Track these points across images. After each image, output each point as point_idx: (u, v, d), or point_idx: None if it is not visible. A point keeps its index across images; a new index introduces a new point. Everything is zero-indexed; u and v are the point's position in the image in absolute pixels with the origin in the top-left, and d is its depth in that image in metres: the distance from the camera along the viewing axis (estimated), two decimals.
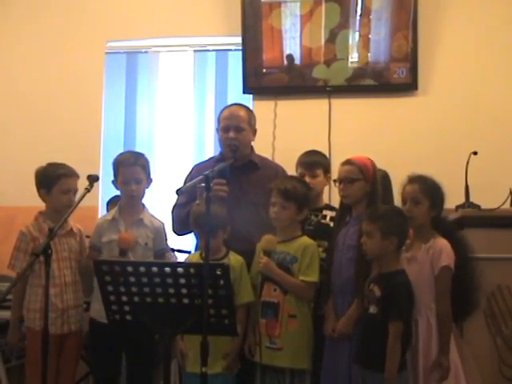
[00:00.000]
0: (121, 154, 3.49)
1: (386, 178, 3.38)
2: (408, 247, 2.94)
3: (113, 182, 3.42)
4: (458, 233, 3.01)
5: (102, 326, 3.09)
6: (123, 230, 3.32)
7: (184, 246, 3.95)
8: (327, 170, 3.56)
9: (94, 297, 3.31)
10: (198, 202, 3.07)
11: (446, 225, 2.98)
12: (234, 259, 3.10)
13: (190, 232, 3.36)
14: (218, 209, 2.96)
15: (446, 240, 2.86)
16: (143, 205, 3.45)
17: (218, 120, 3.49)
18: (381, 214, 2.85)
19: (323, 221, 3.39)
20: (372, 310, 2.79)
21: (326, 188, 3.83)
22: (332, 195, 3.91)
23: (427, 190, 2.91)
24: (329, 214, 3.40)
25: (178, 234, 3.53)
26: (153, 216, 3.46)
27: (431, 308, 2.83)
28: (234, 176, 3.27)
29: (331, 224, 3.34)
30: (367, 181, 3.06)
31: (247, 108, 3.56)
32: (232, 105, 3.58)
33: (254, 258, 3.15)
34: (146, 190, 3.45)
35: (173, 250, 3.75)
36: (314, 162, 3.50)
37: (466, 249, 2.92)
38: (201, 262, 3.03)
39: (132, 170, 3.33)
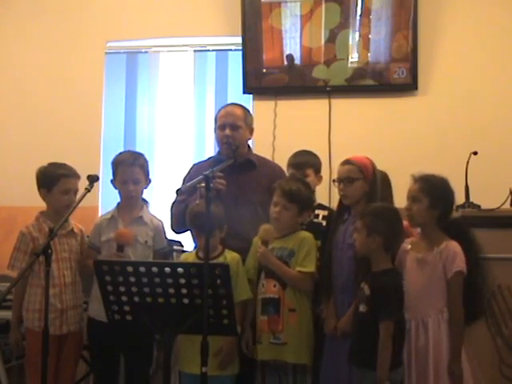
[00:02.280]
0: (120, 153, 3.49)
1: (385, 178, 3.37)
2: (416, 248, 2.91)
3: (111, 181, 3.42)
4: (471, 234, 2.93)
5: (101, 325, 3.10)
6: (122, 228, 3.32)
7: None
8: (318, 170, 3.56)
9: (92, 296, 3.32)
10: (197, 201, 3.08)
11: (458, 225, 2.94)
12: (230, 257, 3.10)
13: (187, 230, 3.36)
14: (214, 208, 2.95)
15: (457, 243, 2.83)
16: (142, 203, 3.45)
17: (215, 120, 3.53)
18: (369, 211, 2.85)
19: (315, 220, 3.38)
20: (362, 308, 2.79)
21: (326, 188, 3.84)
22: (332, 195, 3.92)
23: (427, 188, 2.87)
24: (321, 213, 3.40)
25: (176, 232, 3.54)
26: (152, 215, 3.47)
27: (443, 312, 2.81)
28: (232, 174, 3.29)
29: (323, 223, 3.34)
30: (366, 180, 3.06)
31: (243, 107, 3.57)
32: (228, 104, 3.62)
33: (250, 252, 3.16)
34: (146, 191, 3.45)
35: (179, 244, 3.77)
36: (304, 162, 3.50)
37: (479, 250, 2.88)
38: (197, 261, 3.06)
39: (130, 169, 3.33)
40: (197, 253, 3.17)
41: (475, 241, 2.90)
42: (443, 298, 2.81)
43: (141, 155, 3.43)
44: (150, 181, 3.43)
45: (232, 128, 3.41)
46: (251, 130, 3.53)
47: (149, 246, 3.33)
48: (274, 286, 3.05)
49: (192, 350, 2.86)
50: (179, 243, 3.88)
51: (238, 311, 2.99)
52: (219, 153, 3.53)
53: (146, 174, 3.39)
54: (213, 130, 3.59)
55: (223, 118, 3.46)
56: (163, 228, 3.45)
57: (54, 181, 3.30)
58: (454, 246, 2.82)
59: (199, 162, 3.66)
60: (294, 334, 3.01)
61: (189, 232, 3.30)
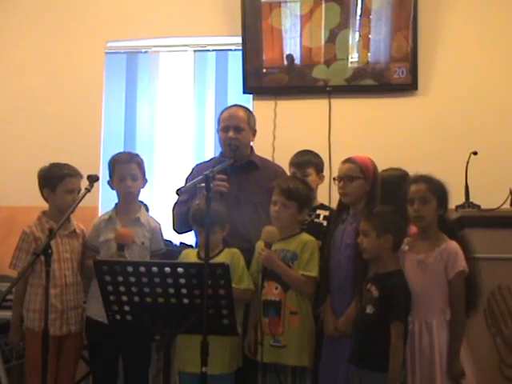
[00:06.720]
0: (116, 154, 3.51)
1: (405, 177, 3.30)
2: (416, 249, 2.90)
3: (108, 182, 3.43)
4: (461, 233, 2.97)
5: (99, 324, 3.11)
6: (121, 228, 3.31)
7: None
8: (319, 169, 3.57)
9: (90, 295, 3.32)
10: (197, 201, 3.08)
11: (448, 224, 2.95)
12: (230, 252, 3.10)
13: (189, 230, 3.37)
14: (217, 206, 2.95)
15: (456, 243, 2.83)
16: (140, 204, 3.46)
17: (218, 121, 3.54)
18: (375, 213, 2.85)
19: (317, 220, 3.39)
20: (369, 310, 2.78)
21: (326, 187, 3.84)
22: (332, 195, 3.92)
23: (434, 188, 2.88)
24: (322, 213, 3.41)
25: (179, 232, 3.54)
26: (150, 216, 3.48)
27: (445, 312, 2.81)
28: (234, 175, 3.30)
29: (324, 223, 3.35)
30: (367, 180, 3.06)
31: (247, 109, 3.60)
32: (232, 106, 3.63)
33: (254, 256, 3.15)
34: (145, 191, 3.45)
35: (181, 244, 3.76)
36: (305, 161, 3.51)
37: (469, 249, 2.90)
38: (198, 261, 3.06)
39: (127, 166, 3.35)
40: (198, 252, 3.17)
41: (465, 240, 2.92)
42: (445, 299, 2.82)
43: (136, 154, 3.46)
44: (146, 181, 3.44)
45: (235, 130, 3.42)
46: (254, 132, 3.55)
47: (145, 247, 3.33)
48: (276, 288, 3.05)
49: (191, 349, 2.86)
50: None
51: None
52: (222, 154, 3.53)
53: (143, 172, 3.41)
54: (213, 131, 3.60)
55: (226, 120, 3.47)
56: (160, 230, 3.45)
57: (59, 180, 3.31)
58: (455, 247, 2.82)
59: (202, 163, 3.67)
60: (295, 337, 3.00)
61: (192, 232, 3.32)
